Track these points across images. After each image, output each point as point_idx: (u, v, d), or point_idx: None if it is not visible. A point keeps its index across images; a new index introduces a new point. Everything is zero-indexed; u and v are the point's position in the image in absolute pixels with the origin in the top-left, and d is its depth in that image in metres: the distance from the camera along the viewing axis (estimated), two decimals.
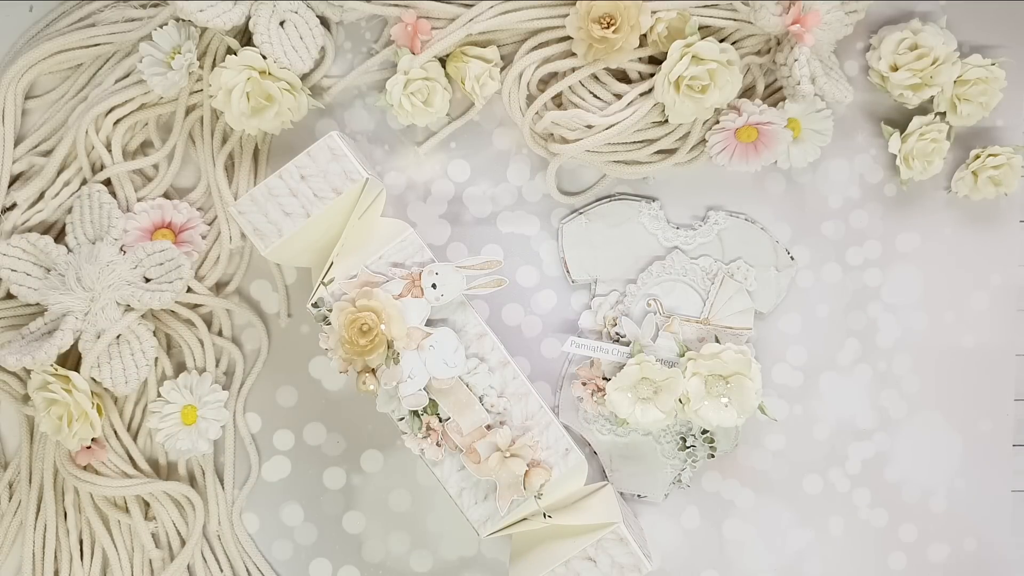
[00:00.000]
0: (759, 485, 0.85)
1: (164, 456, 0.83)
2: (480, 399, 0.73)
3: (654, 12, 0.76)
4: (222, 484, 0.83)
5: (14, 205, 0.79)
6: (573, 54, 0.77)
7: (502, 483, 0.72)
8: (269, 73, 0.76)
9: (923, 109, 0.81)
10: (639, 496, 0.83)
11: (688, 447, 0.82)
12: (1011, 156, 0.81)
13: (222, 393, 0.81)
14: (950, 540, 0.86)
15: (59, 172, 0.79)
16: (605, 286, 0.82)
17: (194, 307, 0.81)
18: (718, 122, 0.78)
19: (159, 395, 0.80)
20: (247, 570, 0.84)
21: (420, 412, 0.72)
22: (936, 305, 0.85)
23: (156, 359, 0.80)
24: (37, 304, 0.78)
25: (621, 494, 0.83)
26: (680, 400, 0.76)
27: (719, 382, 0.77)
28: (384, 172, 0.82)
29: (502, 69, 0.79)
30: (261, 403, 0.83)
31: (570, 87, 0.79)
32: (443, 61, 0.79)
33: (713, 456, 0.82)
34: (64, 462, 0.79)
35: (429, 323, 0.72)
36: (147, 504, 0.82)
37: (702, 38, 0.75)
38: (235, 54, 0.75)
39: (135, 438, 0.82)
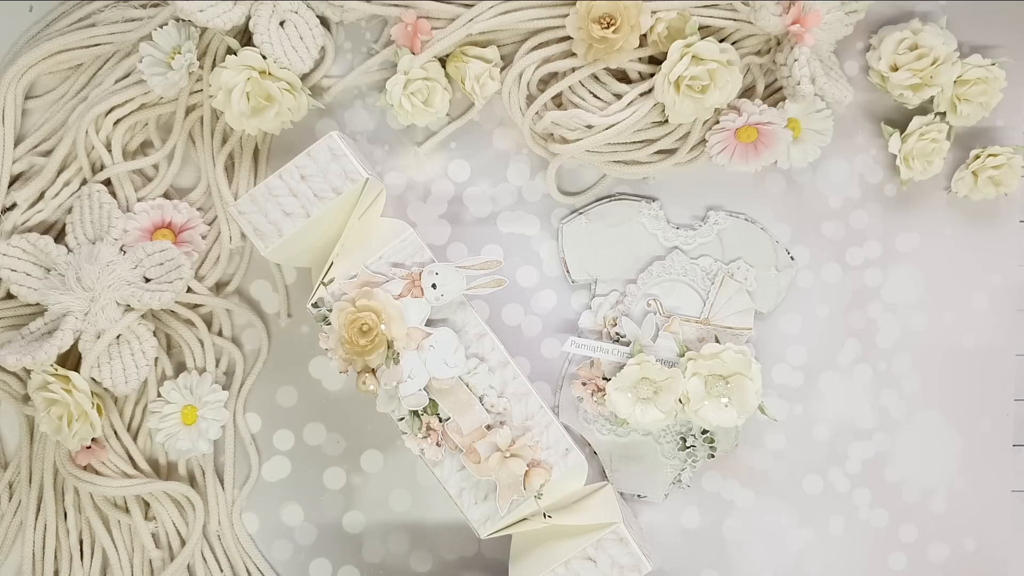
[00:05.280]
0: (759, 485, 0.85)
1: (164, 456, 0.83)
2: (480, 399, 0.73)
3: (654, 12, 0.76)
4: (222, 484, 0.83)
5: (14, 205, 0.79)
6: (573, 54, 0.77)
7: (502, 483, 0.71)
8: (269, 73, 0.76)
9: (923, 109, 0.81)
10: (639, 496, 0.83)
11: (688, 447, 0.82)
12: (1011, 156, 0.81)
13: (222, 393, 0.81)
14: (950, 540, 0.86)
15: (59, 172, 0.79)
16: (605, 286, 0.82)
17: (194, 307, 0.81)
18: (718, 122, 0.78)
19: (159, 395, 0.80)
20: (247, 570, 0.84)
21: (420, 412, 0.72)
22: (936, 305, 0.85)
23: (156, 359, 0.80)
24: (37, 304, 0.78)
25: (621, 494, 0.83)
26: (680, 400, 0.76)
27: (719, 382, 0.77)
28: (384, 172, 0.82)
29: (502, 69, 0.79)
30: (261, 403, 0.83)
31: (570, 87, 0.79)
32: (443, 61, 0.79)
33: (713, 456, 0.82)
34: (64, 462, 0.79)
35: (429, 323, 0.72)
36: (147, 504, 0.82)
37: (702, 38, 0.75)
38: (235, 54, 0.75)
39: (135, 438, 0.82)
